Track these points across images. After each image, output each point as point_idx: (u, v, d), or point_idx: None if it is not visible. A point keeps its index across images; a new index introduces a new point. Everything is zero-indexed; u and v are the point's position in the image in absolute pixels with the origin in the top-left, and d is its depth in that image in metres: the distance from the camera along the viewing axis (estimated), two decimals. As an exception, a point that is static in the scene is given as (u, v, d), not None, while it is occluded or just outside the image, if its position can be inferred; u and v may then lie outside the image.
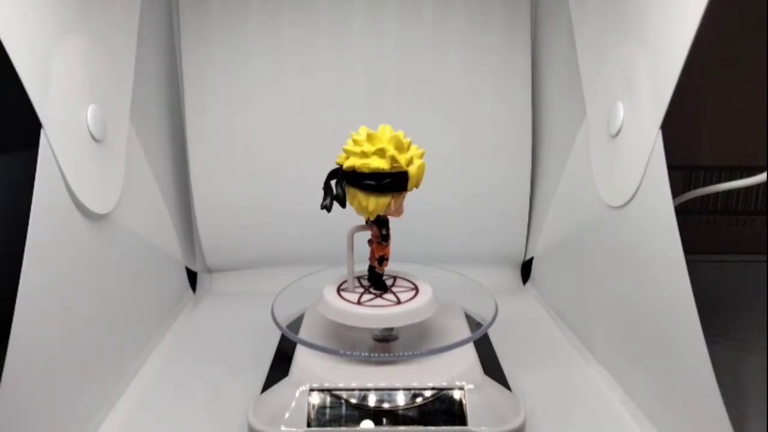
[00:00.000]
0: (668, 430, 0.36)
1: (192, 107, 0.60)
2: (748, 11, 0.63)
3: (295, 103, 0.60)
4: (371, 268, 0.42)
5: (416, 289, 0.42)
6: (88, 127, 0.38)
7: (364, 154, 0.37)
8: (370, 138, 0.37)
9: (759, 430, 0.38)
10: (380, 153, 0.37)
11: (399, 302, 0.40)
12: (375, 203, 0.38)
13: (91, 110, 0.39)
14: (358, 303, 0.39)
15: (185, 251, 0.61)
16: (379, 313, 0.38)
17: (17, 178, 0.49)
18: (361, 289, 0.42)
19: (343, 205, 0.38)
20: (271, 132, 0.61)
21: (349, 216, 0.40)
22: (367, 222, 0.41)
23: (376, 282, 0.42)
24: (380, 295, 0.41)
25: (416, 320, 0.39)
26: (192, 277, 0.63)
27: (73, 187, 0.36)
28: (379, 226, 0.40)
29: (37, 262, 0.32)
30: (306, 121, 0.61)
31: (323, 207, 0.38)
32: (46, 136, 0.33)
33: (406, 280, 0.43)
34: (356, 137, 0.38)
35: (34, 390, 0.32)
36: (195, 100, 0.60)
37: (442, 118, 0.61)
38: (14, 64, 0.30)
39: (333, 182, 0.38)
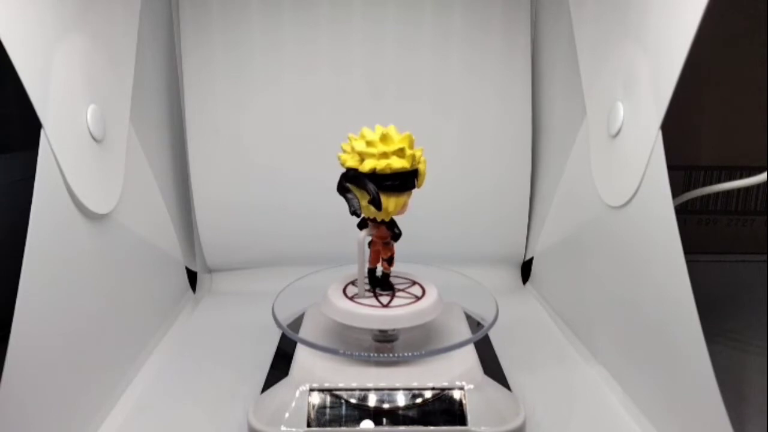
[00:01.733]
0: (668, 431, 0.36)
1: (192, 107, 0.60)
2: (748, 11, 0.63)
3: (295, 102, 0.60)
4: (371, 271, 0.42)
5: (415, 284, 0.42)
6: (88, 127, 0.38)
7: (385, 155, 0.37)
8: (384, 139, 0.37)
9: (759, 429, 0.38)
10: (400, 153, 0.37)
11: (419, 298, 0.40)
12: (395, 203, 0.38)
13: (91, 110, 0.39)
14: (386, 305, 0.39)
15: (185, 251, 0.61)
16: (408, 311, 0.39)
17: (17, 178, 0.49)
18: (370, 293, 0.41)
19: (380, 208, 0.37)
20: (271, 132, 0.61)
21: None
22: (362, 225, 0.41)
23: (383, 283, 0.42)
24: (394, 296, 0.41)
25: (437, 313, 0.40)
26: (192, 277, 0.63)
27: (73, 187, 0.36)
28: (390, 226, 0.40)
29: (37, 262, 0.32)
30: (306, 121, 0.61)
31: (354, 213, 0.37)
32: (46, 136, 0.33)
33: (400, 278, 0.44)
34: (369, 138, 0.37)
35: (34, 390, 0.32)
36: (195, 100, 0.60)
37: (442, 118, 0.61)
38: (14, 64, 0.30)
39: (350, 185, 0.38)
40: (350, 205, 0.37)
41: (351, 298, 0.40)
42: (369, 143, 0.37)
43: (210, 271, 0.65)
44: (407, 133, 0.38)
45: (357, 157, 0.37)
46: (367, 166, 0.37)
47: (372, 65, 0.60)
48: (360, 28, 0.59)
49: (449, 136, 0.61)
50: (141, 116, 0.49)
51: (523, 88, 0.61)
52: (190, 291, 0.62)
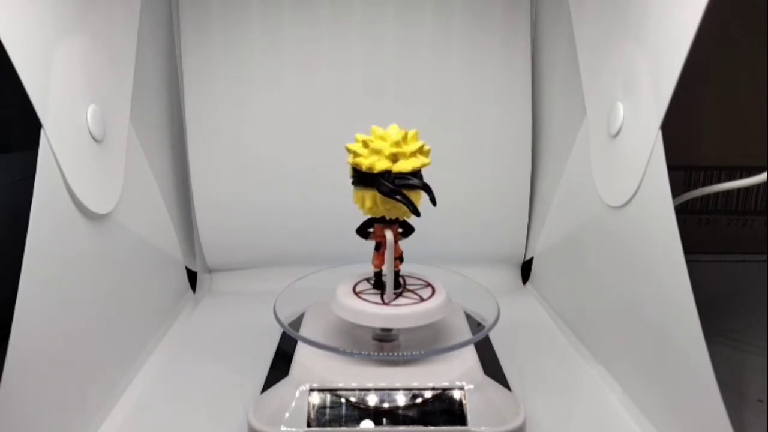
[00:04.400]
0: (668, 431, 0.36)
1: (192, 107, 0.60)
2: (748, 11, 0.63)
3: (295, 102, 0.60)
4: (378, 274, 0.42)
5: (413, 278, 0.43)
6: (88, 127, 0.38)
7: (414, 154, 0.37)
8: (405, 138, 0.37)
9: (759, 430, 0.38)
10: (422, 150, 0.37)
11: (435, 291, 0.41)
12: (419, 199, 0.38)
13: (91, 110, 0.39)
14: (422, 300, 0.40)
15: (185, 251, 0.61)
16: (434, 304, 0.39)
17: (17, 178, 0.49)
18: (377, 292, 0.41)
19: (435, 203, 0.37)
20: (272, 132, 0.61)
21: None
22: (362, 230, 0.41)
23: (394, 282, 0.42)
24: (416, 293, 0.41)
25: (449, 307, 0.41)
26: (192, 277, 0.63)
27: (73, 187, 0.36)
28: (402, 223, 0.40)
29: (37, 262, 0.32)
30: (306, 121, 0.61)
31: (416, 213, 0.37)
32: (46, 136, 0.33)
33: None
34: (396, 138, 0.37)
35: (34, 390, 0.32)
36: (195, 100, 0.60)
37: (442, 118, 0.61)
38: (14, 64, 0.30)
39: (391, 186, 0.37)
40: (410, 207, 0.37)
41: (387, 303, 0.40)
42: (396, 143, 0.37)
43: (210, 271, 0.65)
44: (415, 130, 0.38)
45: (385, 159, 0.37)
46: (408, 165, 0.36)
47: (372, 65, 0.60)
48: (360, 28, 0.59)
49: (449, 136, 0.61)
50: (141, 116, 0.49)
51: (523, 88, 0.61)
52: (190, 291, 0.62)
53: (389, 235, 0.38)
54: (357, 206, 0.39)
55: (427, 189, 0.37)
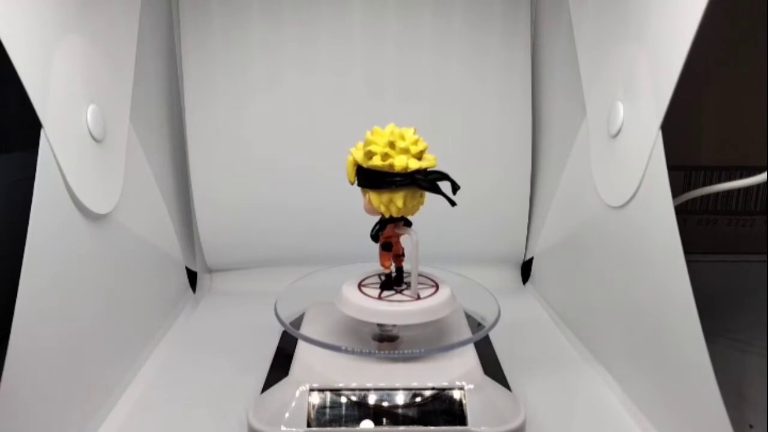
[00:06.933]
0: (668, 431, 0.36)
1: (192, 107, 0.60)
2: (748, 11, 0.63)
3: (295, 102, 0.60)
4: (388, 275, 0.42)
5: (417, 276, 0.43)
6: (88, 127, 0.38)
7: (425, 151, 0.38)
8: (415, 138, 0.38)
9: (759, 430, 0.38)
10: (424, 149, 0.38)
11: (437, 283, 0.42)
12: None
13: (91, 110, 0.39)
14: (437, 289, 0.41)
15: (185, 251, 0.61)
16: (448, 295, 0.41)
17: (17, 178, 0.49)
18: (405, 289, 0.41)
19: (456, 191, 0.39)
20: (272, 132, 0.61)
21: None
22: (383, 227, 0.41)
23: (399, 279, 0.42)
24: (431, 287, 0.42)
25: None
26: (192, 277, 0.63)
27: (73, 187, 0.36)
28: (406, 221, 0.41)
29: (37, 262, 0.32)
30: (306, 121, 0.61)
31: (454, 204, 0.38)
32: (46, 136, 0.33)
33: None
34: (409, 137, 0.37)
35: (34, 390, 0.32)
36: (195, 100, 0.60)
37: (442, 118, 0.61)
38: (14, 64, 0.30)
39: (430, 182, 0.37)
40: (448, 199, 0.38)
41: (418, 297, 0.40)
42: (415, 142, 0.37)
43: (210, 271, 0.65)
44: (411, 128, 0.38)
45: (413, 158, 0.37)
46: (433, 161, 0.38)
47: (372, 65, 0.60)
48: (360, 27, 0.59)
49: (449, 136, 0.61)
50: (141, 116, 0.49)
51: (523, 88, 0.61)
52: (190, 291, 0.62)
53: (413, 232, 0.39)
54: (381, 210, 0.38)
55: (451, 179, 0.38)
